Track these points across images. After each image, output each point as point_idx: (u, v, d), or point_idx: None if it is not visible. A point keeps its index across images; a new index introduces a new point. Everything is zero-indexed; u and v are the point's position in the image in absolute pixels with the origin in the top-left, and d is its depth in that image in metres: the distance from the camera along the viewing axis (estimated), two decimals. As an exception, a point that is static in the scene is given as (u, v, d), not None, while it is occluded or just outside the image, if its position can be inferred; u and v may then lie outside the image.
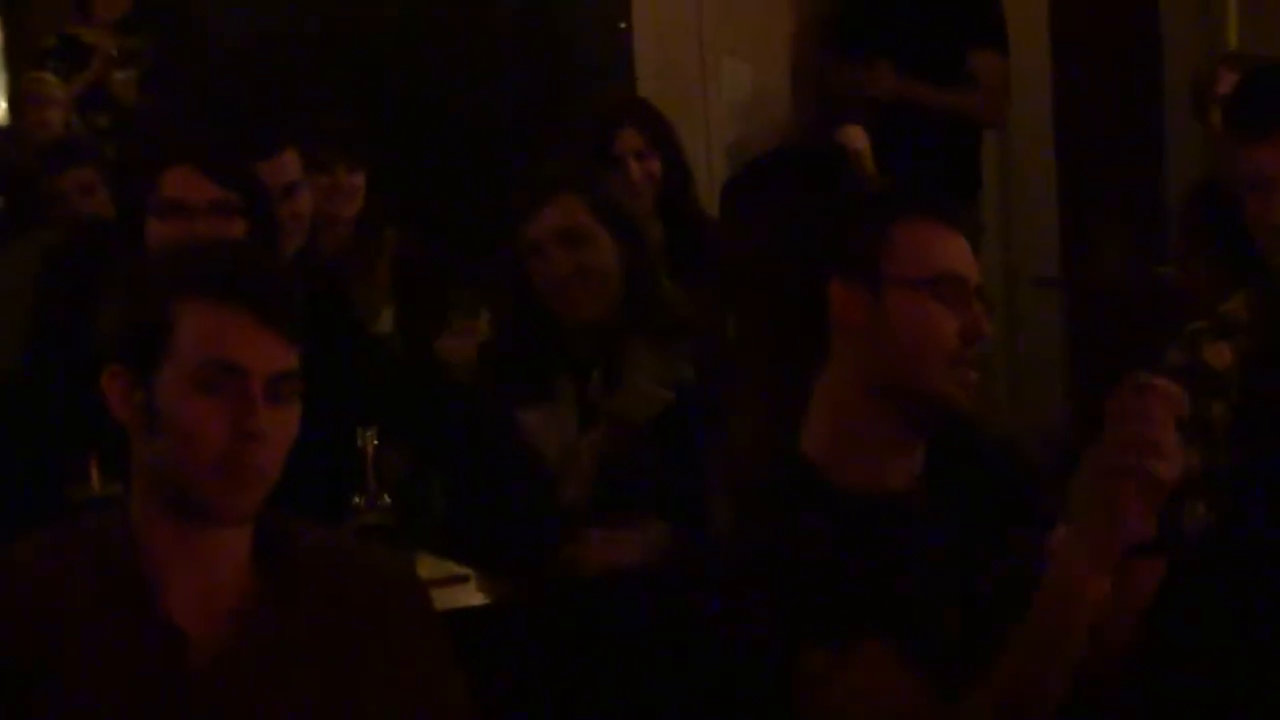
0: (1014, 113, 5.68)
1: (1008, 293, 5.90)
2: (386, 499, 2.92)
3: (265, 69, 7.48)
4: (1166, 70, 6.07)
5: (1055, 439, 5.49)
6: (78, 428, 2.30)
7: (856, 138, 4.59)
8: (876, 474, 2.26)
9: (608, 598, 2.93)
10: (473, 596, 2.96)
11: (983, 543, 2.27)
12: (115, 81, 7.20)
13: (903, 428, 2.26)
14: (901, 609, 2.15)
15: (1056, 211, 6.05)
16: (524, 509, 3.20)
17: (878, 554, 2.19)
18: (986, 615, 2.18)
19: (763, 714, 2.15)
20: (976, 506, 2.30)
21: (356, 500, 2.91)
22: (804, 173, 3.07)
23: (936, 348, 2.22)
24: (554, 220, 3.29)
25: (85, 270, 3.89)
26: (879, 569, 2.18)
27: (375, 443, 2.89)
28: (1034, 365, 5.87)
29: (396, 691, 1.97)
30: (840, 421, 2.27)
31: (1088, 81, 6.07)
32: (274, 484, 1.93)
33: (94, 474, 2.96)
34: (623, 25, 5.64)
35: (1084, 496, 1.99)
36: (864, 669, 2.09)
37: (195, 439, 1.86)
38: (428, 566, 3.00)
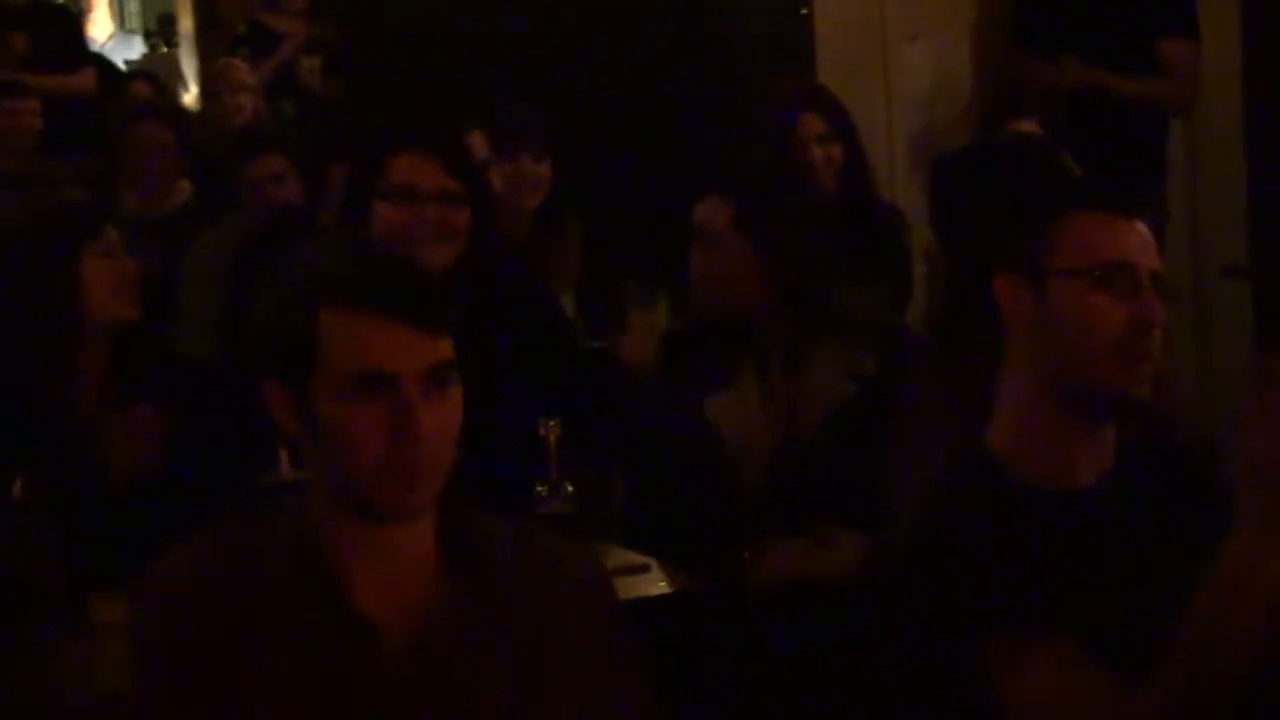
0: (1203, 99, 5.57)
1: (1196, 283, 5.78)
2: (569, 488, 2.94)
3: (450, 57, 7.54)
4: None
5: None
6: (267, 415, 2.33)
7: (1029, 130, 4.55)
8: (1061, 469, 2.24)
9: (789, 593, 2.93)
10: (654, 586, 2.97)
11: (1170, 543, 2.24)
12: (302, 68, 7.33)
13: (1082, 421, 2.23)
14: (1082, 605, 2.13)
15: (1246, 200, 5.91)
16: (706, 498, 3.22)
17: (1059, 550, 2.17)
18: (1169, 613, 2.16)
19: (942, 708, 2.14)
20: (1165, 505, 2.27)
21: (540, 489, 2.93)
22: (994, 167, 3.04)
23: (1103, 339, 2.19)
24: (696, 220, 3.35)
25: (277, 258, 3.96)
26: (1060, 565, 2.16)
27: (558, 432, 2.91)
28: (1223, 357, 5.74)
29: (583, 680, 1.98)
30: (1022, 416, 2.25)
31: (1279, 67, 5.93)
32: (448, 473, 1.93)
33: (283, 460, 3.01)
34: (804, 11, 5.61)
35: (1248, 478, 1.95)
36: (1047, 663, 2.08)
37: (356, 447, 1.87)
38: (609, 555, 3.02)
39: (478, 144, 4.17)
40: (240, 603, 1.92)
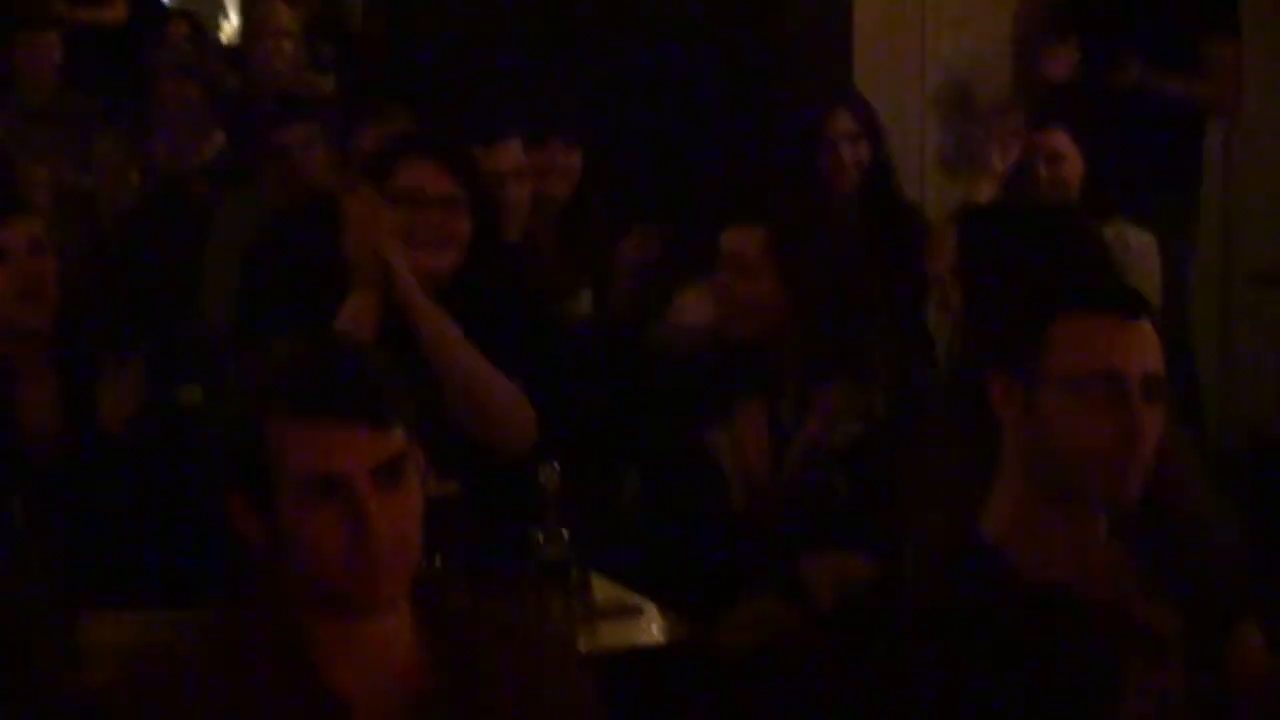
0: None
1: (1224, 289, 5.73)
2: (565, 534, 2.93)
3: (491, 21, 7.46)
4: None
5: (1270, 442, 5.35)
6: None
7: (1059, 141, 4.52)
8: (1053, 562, 2.23)
9: (777, 651, 2.93)
10: (645, 633, 2.97)
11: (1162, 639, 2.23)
12: (343, 8, 7.28)
13: (1075, 519, 2.22)
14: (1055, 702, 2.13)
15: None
16: (702, 532, 3.22)
17: (1045, 642, 2.17)
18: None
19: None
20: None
21: (537, 535, 2.93)
22: (1009, 247, 2.99)
23: (1089, 450, 2.16)
24: (727, 246, 3.33)
25: (293, 250, 3.96)
26: (1047, 660, 2.16)
27: (557, 479, 2.91)
28: (1251, 367, 5.70)
29: None
30: (1017, 508, 2.24)
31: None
32: (414, 563, 1.95)
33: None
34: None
35: None
36: None
37: (316, 550, 1.90)
38: (604, 593, 3.03)
39: (512, 151, 4.14)
40: (221, 687, 1.94)
